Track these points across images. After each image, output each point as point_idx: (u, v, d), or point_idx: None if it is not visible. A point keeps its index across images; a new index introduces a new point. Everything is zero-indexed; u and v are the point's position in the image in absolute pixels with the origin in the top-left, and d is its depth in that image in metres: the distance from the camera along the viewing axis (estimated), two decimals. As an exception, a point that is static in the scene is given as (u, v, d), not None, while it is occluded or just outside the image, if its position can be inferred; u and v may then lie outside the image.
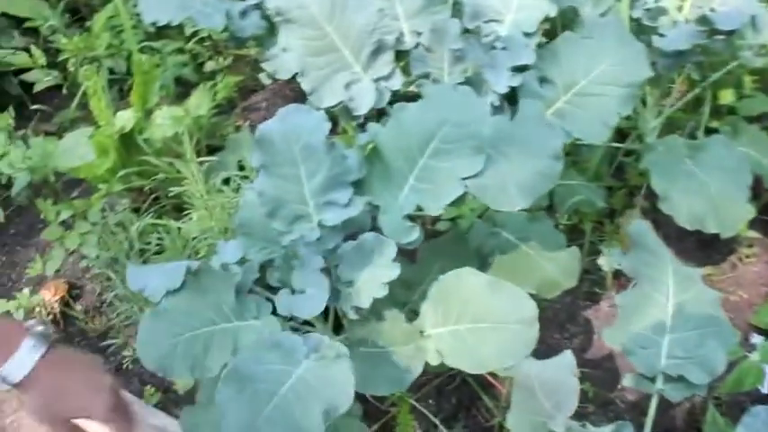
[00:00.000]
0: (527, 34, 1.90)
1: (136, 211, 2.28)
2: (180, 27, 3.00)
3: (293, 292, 1.54)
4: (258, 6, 2.31)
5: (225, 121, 2.72)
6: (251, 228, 1.67)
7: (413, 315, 1.61)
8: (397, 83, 1.86)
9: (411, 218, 1.44)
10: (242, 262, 1.60)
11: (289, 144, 1.47)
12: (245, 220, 1.67)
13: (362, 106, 1.81)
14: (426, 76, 1.98)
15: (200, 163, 2.45)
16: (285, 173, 1.49)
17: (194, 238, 2.04)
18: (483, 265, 1.87)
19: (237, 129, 2.76)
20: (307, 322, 1.61)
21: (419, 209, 1.44)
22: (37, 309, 2.16)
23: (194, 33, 2.84)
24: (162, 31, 2.83)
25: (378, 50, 1.84)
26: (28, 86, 2.79)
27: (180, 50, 2.83)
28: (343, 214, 1.47)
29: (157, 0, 2.24)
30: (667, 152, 2.09)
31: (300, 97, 3.00)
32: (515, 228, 1.93)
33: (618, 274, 2.21)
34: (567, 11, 2.05)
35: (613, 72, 1.86)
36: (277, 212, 1.51)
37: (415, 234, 1.44)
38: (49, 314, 2.20)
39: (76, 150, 1.84)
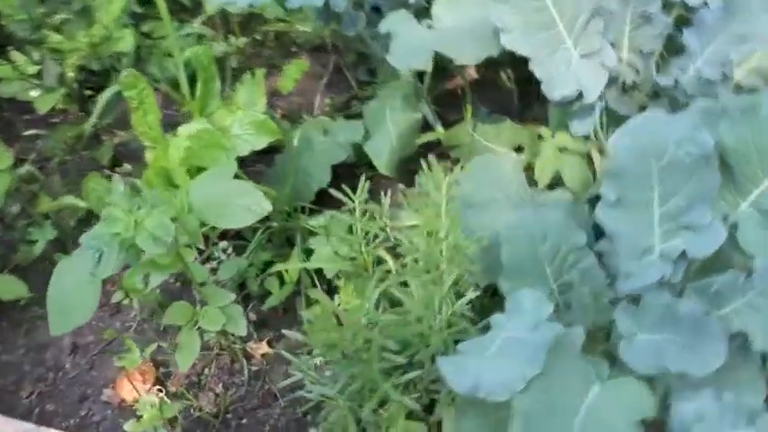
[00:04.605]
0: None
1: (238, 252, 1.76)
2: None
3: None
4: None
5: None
6: (520, 265, 1.32)
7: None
8: (609, 59, 1.54)
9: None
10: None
11: (646, 164, 1.13)
12: (512, 257, 1.32)
13: (592, 93, 1.47)
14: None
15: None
16: (634, 200, 1.15)
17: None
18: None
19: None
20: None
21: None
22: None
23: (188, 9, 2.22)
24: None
25: (589, 20, 1.50)
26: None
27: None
28: (705, 242, 1.17)
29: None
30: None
31: (342, 82, 2.52)
32: None
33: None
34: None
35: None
36: (623, 252, 1.17)
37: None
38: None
39: (243, 201, 1.28)
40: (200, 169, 1.70)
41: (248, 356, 1.84)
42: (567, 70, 1.46)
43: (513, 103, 2.29)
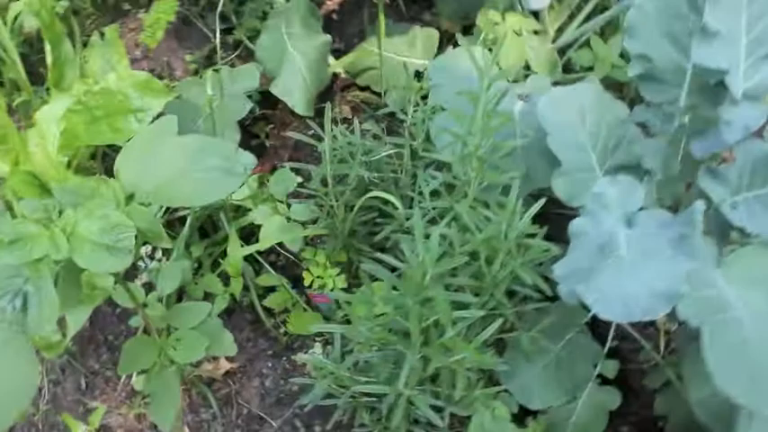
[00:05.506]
0: None
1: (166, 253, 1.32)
2: None
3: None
4: None
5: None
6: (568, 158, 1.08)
7: None
8: None
9: None
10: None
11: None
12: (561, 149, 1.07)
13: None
14: None
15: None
16: (725, 31, 0.93)
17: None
18: None
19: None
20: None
21: None
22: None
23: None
24: None
25: None
26: None
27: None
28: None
29: None
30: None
31: (194, 35, 2.02)
32: None
33: None
34: None
35: None
36: (719, 99, 0.96)
37: None
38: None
39: (213, 162, 0.85)
40: (71, 162, 1.23)
41: (208, 382, 1.43)
42: None
43: (402, 13, 2.01)
